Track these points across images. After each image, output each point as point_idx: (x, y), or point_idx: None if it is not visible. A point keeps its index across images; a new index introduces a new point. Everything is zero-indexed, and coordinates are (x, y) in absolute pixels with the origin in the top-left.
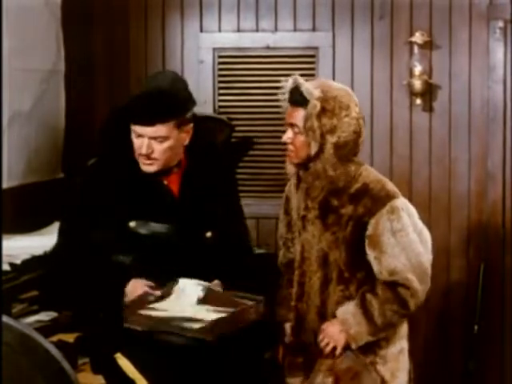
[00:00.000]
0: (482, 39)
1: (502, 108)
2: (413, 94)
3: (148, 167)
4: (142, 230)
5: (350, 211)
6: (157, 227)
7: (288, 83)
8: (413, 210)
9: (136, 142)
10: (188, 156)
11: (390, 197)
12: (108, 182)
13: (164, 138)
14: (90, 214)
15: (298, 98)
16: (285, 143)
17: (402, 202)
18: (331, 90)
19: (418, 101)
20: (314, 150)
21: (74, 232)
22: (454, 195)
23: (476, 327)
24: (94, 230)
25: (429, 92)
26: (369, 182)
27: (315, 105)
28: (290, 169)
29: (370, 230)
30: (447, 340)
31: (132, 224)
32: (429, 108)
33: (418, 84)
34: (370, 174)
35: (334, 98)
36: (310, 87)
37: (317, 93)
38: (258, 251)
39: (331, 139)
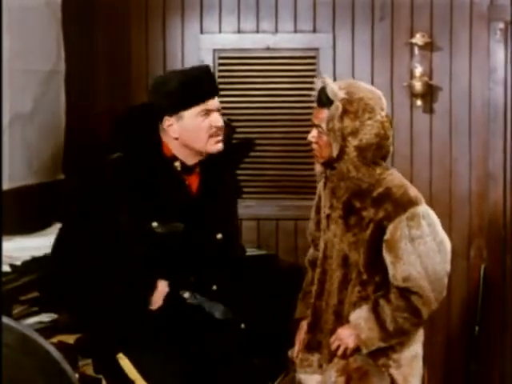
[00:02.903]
0: (483, 40)
1: (502, 109)
2: (413, 95)
3: (219, 145)
4: (162, 230)
5: (372, 214)
6: (175, 228)
7: (317, 84)
8: (434, 218)
9: (208, 119)
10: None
11: (411, 203)
12: (134, 177)
13: (220, 111)
14: (108, 209)
15: (323, 99)
16: (304, 143)
17: (423, 209)
18: (358, 92)
19: (419, 102)
20: (335, 151)
21: (86, 230)
22: (454, 196)
23: (477, 328)
24: (110, 227)
25: (429, 93)
26: (392, 186)
27: (338, 106)
28: (318, 168)
29: (387, 235)
30: (448, 341)
31: (154, 224)
32: (429, 109)
33: (418, 85)
34: (394, 178)
35: (359, 100)
36: (334, 88)
37: (341, 94)
38: (258, 252)
39: (353, 142)
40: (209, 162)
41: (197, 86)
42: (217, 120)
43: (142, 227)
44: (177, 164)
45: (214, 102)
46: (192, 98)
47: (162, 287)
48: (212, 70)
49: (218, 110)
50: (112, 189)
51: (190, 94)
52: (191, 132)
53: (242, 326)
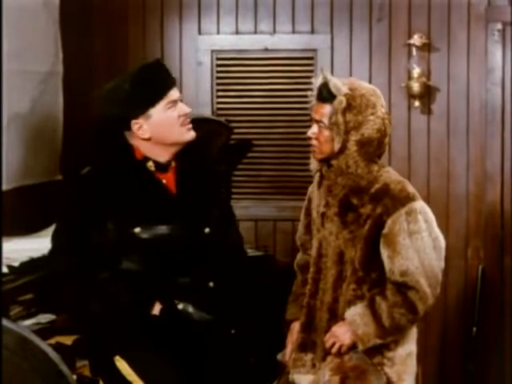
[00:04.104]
0: (481, 41)
1: (500, 110)
2: (411, 96)
3: (191, 132)
4: (147, 235)
5: (369, 210)
6: (160, 230)
7: (318, 80)
8: (431, 215)
9: (175, 110)
10: (177, 153)
11: (409, 198)
12: (106, 187)
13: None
14: (88, 222)
15: (325, 94)
16: (307, 139)
17: (420, 205)
18: (359, 88)
19: (417, 103)
20: (337, 145)
21: (73, 239)
22: (452, 196)
23: (474, 329)
24: (94, 238)
25: (427, 94)
26: (389, 182)
27: (341, 100)
28: (314, 165)
29: (386, 229)
30: (445, 341)
31: (137, 230)
32: (427, 110)
33: (416, 86)
34: (391, 175)
35: (361, 95)
36: (338, 83)
37: (344, 89)
38: (256, 253)
39: (355, 136)
40: (183, 155)
41: (157, 80)
42: (183, 108)
43: (126, 235)
44: (150, 164)
45: (175, 93)
46: (155, 93)
47: (156, 308)
48: (210, 70)
49: (181, 100)
50: (87, 203)
51: (151, 90)
52: (164, 127)
53: (233, 331)
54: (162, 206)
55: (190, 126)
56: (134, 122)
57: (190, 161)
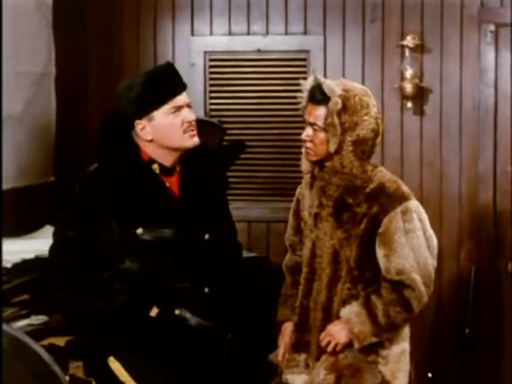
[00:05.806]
0: (473, 43)
1: (492, 111)
2: (404, 97)
3: (195, 139)
4: (148, 237)
5: (365, 209)
6: (161, 233)
7: (308, 82)
8: (424, 214)
9: (179, 116)
10: (182, 158)
11: (405, 197)
12: (111, 186)
13: (191, 107)
14: (90, 220)
15: (318, 96)
16: (302, 141)
17: (415, 204)
18: (352, 89)
19: (409, 104)
20: (333, 147)
21: (76, 237)
22: (445, 197)
23: (467, 330)
24: (95, 236)
25: (420, 95)
26: (385, 181)
27: (337, 102)
28: (306, 166)
29: (382, 228)
30: (438, 342)
31: (139, 231)
32: (420, 111)
33: (409, 87)
34: (385, 175)
35: (354, 96)
36: (331, 84)
37: (338, 90)
38: (249, 254)
39: (350, 137)
40: (188, 160)
41: (163, 84)
42: (188, 115)
43: (127, 235)
44: (155, 166)
45: (183, 98)
46: (160, 96)
47: (154, 311)
48: (203, 72)
49: (188, 105)
50: (91, 201)
51: (157, 93)
52: (165, 131)
53: (229, 336)
54: (165, 210)
55: (194, 132)
56: (137, 122)
57: (193, 165)
